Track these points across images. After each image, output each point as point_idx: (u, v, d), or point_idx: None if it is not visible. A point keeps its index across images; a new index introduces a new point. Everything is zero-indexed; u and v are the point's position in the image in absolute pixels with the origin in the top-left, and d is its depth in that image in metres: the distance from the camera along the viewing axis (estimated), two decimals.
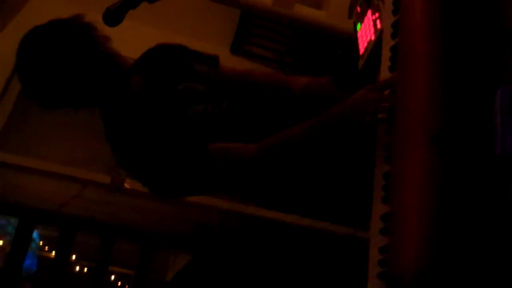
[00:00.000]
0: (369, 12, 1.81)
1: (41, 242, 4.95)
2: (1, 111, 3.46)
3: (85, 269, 4.70)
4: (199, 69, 1.80)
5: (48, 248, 4.75)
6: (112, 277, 4.73)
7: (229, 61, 1.88)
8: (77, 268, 4.69)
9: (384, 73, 1.49)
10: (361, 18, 1.88)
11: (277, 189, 1.80)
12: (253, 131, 1.68)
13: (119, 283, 4.82)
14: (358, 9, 1.92)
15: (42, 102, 1.65)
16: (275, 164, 1.60)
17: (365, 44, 1.80)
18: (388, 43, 1.51)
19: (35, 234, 4.63)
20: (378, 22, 1.71)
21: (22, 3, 3.15)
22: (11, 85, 3.48)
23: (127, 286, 4.83)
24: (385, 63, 1.50)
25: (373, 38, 1.74)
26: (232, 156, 1.59)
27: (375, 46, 1.69)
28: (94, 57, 1.62)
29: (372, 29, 1.75)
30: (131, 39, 2.33)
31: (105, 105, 1.72)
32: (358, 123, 1.44)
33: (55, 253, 4.76)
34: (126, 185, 3.06)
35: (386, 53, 1.52)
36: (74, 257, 4.71)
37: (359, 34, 1.89)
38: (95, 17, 1.63)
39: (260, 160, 1.57)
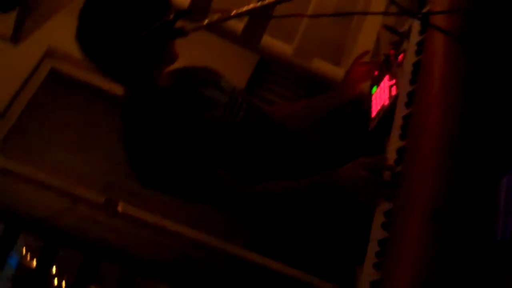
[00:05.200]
0: (387, 77, 1.83)
1: (24, 249, 4.88)
2: (6, 119, 3.47)
3: (63, 283, 4.62)
4: (224, 84, 1.89)
5: (30, 257, 4.69)
6: None
7: None
8: (56, 282, 4.61)
9: (394, 140, 1.51)
10: (377, 81, 1.90)
11: (262, 234, 1.84)
12: (263, 148, 1.76)
13: None
14: (376, 72, 1.95)
15: (88, 47, 1.71)
16: (259, 214, 1.71)
17: (378, 108, 1.82)
18: (401, 111, 1.54)
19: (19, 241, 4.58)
20: (394, 88, 1.74)
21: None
22: (20, 95, 3.52)
23: None
24: (396, 130, 1.52)
25: (386, 103, 1.76)
26: (224, 186, 1.67)
27: (388, 112, 1.71)
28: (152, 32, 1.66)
29: (387, 95, 1.77)
30: None
31: (132, 85, 1.77)
32: (351, 199, 1.49)
33: (36, 263, 4.70)
34: (119, 208, 3.04)
35: (398, 121, 1.54)
36: (54, 269, 4.64)
37: (373, 97, 1.92)
38: None
39: (247, 206, 1.68)
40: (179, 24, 1.56)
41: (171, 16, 1.51)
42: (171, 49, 1.75)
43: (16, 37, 2.82)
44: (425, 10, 1.66)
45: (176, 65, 1.81)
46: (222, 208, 1.75)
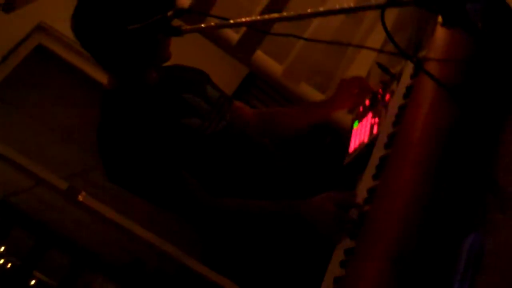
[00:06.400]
0: (370, 115, 1.82)
1: None
2: None
3: (9, 265, 4.51)
4: (210, 92, 1.87)
5: None
6: (33, 282, 4.55)
7: None
8: (1, 261, 4.50)
9: (367, 179, 1.49)
10: (360, 117, 1.89)
11: (216, 248, 1.82)
12: (235, 162, 1.74)
13: None
14: (361, 108, 1.93)
15: (81, 33, 1.68)
16: (219, 227, 1.69)
17: (357, 144, 1.80)
18: (380, 151, 1.52)
19: None
20: (375, 127, 1.72)
21: None
22: (2, 64, 3.45)
23: None
24: (371, 170, 1.50)
25: (366, 140, 1.75)
26: (188, 191, 1.64)
27: (365, 150, 1.69)
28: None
29: (368, 132, 1.75)
30: None
31: (119, 76, 1.74)
32: (314, 231, 1.49)
33: None
34: (80, 198, 2.98)
35: (374, 160, 1.52)
36: (2, 248, 4.54)
37: (353, 131, 1.90)
38: None
39: (208, 215, 1.65)
40: (176, 23, 1.54)
41: (170, 13, 1.49)
42: (165, 47, 1.72)
43: (9, 6, 2.77)
44: (420, 54, 1.66)
45: (168, 62, 1.78)
46: (181, 216, 1.70)
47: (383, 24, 1.18)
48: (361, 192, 1.49)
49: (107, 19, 1.63)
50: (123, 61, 1.70)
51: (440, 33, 1.40)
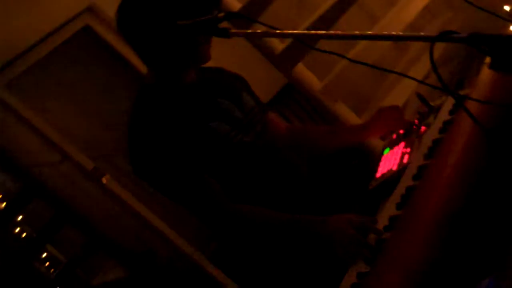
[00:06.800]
0: (402, 144, 1.82)
1: None
2: (27, 57, 3.44)
3: (24, 234, 4.58)
4: (245, 100, 1.86)
5: (1, 198, 4.65)
6: (44, 255, 4.60)
7: None
8: (17, 230, 4.57)
9: (390, 207, 1.49)
10: (392, 145, 1.89)
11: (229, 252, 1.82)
12: (259, 172, 1.74)
13: (47, 263, 4.68)
14: (394, 136, 1.93)
15: (125, 26, 1.70)
16: (236, 233, 1.68)
17: (385, 170, 1.80)
18: (407, 181, 1.52)
19: None
20: (406, 157, 1.72)
21: None
22: (49, 39, 3.51)
23: (52, 270, 4.68)
24: (396, 198, 1.50)
25: (394, 168, 1.74)
26: (210, 195, 1.65)
27: (393, 177, 1.69)
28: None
29: (398, 160, 1.75)
30: None
31: (158, 71, 1.75)
32: (330, 250, 1.49)
33: (5, 205, 4.67)
34: (104, 180, 3.02)
35: (400, 189, 1.52)
36: (20, 218, 4.60)
37: (383, 157, 1.90)
38: None
39: (227, 221, 1.65)
40: (223, 25, 1.55)
41: (221, 14, 1.50)
42: (206, 49, 1.73)
43: None
44: (462, 92, 1.65)
45: (209, 63, 1.79)
46: (198, 218, 1.71)
47: (431, 57, 1.17)
48: (382, 219, 1.48)
49: (155, 13, 1.64)
50: (164, 57, 1.71)
51: (486, 75, 1.40)
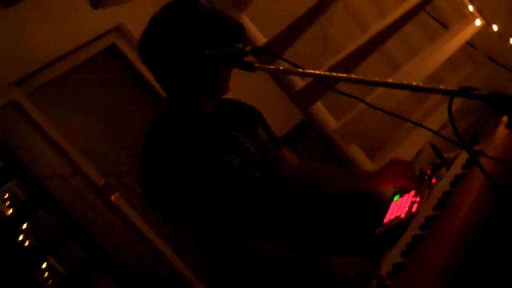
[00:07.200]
0: (413, 192, 1.83)
1: (7, 194, 4.86)
2: (51, 70, 3.49)
3: (27, 243, 4.58)
4: (259, 134, 1.87)
5: (9, 204, 4.67)
6: (44, 265, 4.60)
7: None
8: (21, 237, 4.57)
9: (395, 254, 1.49)
10: (402, 192, 1.90)
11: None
12: (267, 209, 1.74)
13: (46, 274, 4.67)
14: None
15: (149, 53, 1.73)
16: (239, 267, 1.69)
17: (392, 217, 1.80)
18: (414, 230, 1.52)
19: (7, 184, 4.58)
20: (415, 206, 1.73)
21: None
22: (75, 53, 3.56)
23: (50, 281, 4.66)
24: (401, 246, 1.50)
25: (402, 216, 1.75)
26: (217, 226, 1.65)
27: (400, 225, 1.69)
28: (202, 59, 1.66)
29: (407, 209, 1.76)
30: None
31: (176, 99, 1.77)
32: None
33: (11, 212, 4.68)
34: (113, 197, 3.04)
35: (406, 238, 1.53)
36: (25, 225, 4.61)
37: (392, 204, 1.90)
38: None
39: (232, 253, 1.65)
40: (248, 58, 1.58)
41: (248, 48, 1.53)
42: (225, 80, 1.75)
43: (97, 3, 2.89)
44: (476, 148, 1.66)
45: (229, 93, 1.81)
46: (204, 248, 1.71)
47: (449, 110, 1.19)
48: (386, 265, 1.49)
49: (182, 40, 1.67)
50: (184, 84, 1.74)
51: (502, 133, 1.42)
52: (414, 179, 1.90)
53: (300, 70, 1.56)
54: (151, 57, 1.74)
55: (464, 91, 1.19)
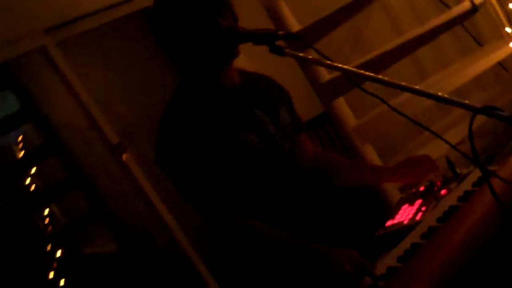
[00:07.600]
0: (419, 201, 1.84)
1: (20, 137, 4.91)
2: (82, 24, 3.49)
3: (33, 187, 4.64)
4: (282, 115, 1.87)
5: (21, 147, 4.73)
6: (46, 211, 4.65)
7: None
8: (27, 181, 4.63)
9: (391, 258, 1.51)
10: (409, 200, 1.91)
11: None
12: (274, 191, 1.76)
13: (47, 220, 4.73)
14: (413, 190, 1.95)
15: (160, 38, 1.75)
16: (240, 245, 1.72)
17: (395, 221, 1.82)
18: (414, 238, 1.54)
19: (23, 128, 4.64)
20: (420, 214, 1.74)
21: None
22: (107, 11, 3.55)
23: (50, 227, 4.73)
24: (399, 251, 1.52)
25: (405, 222, 1.76)
26: (224, 203, 1.67)
27: (401, 231, 1.71)
28: (217, 29, 1.66)
29: (411, 216, 1.77)
30: None
31: (188, 71, 1.78)
32: (325, 278, 1.53)
33: (22, 155, 4.74)
34: (124, 157, 3.07)
35: (406, 244, 1.54)
36: (34, 170, 4.66)
37: (399, 211, 1.91)
38: None
39: (235, 231, 1.68)
40: (279, 42, 1.59)
41: (281, 32, 1.54)
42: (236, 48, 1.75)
43: None
44: (490, 168, 1.67)
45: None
46: (207, 221, 1.73)
47: (470, 127, 1.20)
48: (381, 268, 1.50)
49: (196, 11, 1.68)
50: (196, 58, 1.74)
51: None
52: (436, 170, 1.90)
53: (330, 62, 1.56)
54: (165, 25, 1.73)
55: (488, 110, 1.20)
